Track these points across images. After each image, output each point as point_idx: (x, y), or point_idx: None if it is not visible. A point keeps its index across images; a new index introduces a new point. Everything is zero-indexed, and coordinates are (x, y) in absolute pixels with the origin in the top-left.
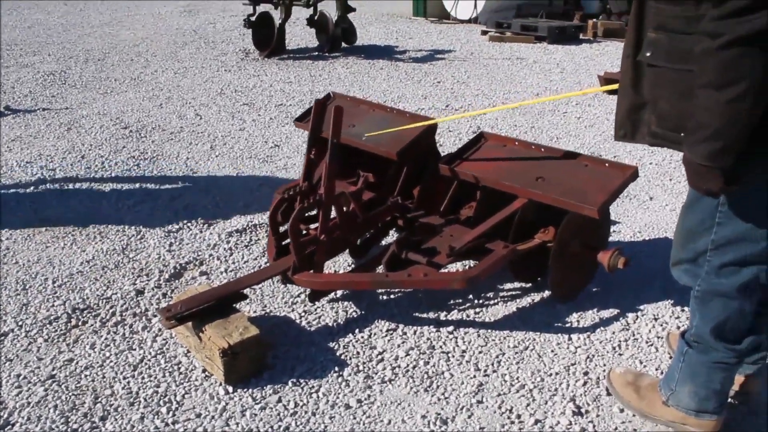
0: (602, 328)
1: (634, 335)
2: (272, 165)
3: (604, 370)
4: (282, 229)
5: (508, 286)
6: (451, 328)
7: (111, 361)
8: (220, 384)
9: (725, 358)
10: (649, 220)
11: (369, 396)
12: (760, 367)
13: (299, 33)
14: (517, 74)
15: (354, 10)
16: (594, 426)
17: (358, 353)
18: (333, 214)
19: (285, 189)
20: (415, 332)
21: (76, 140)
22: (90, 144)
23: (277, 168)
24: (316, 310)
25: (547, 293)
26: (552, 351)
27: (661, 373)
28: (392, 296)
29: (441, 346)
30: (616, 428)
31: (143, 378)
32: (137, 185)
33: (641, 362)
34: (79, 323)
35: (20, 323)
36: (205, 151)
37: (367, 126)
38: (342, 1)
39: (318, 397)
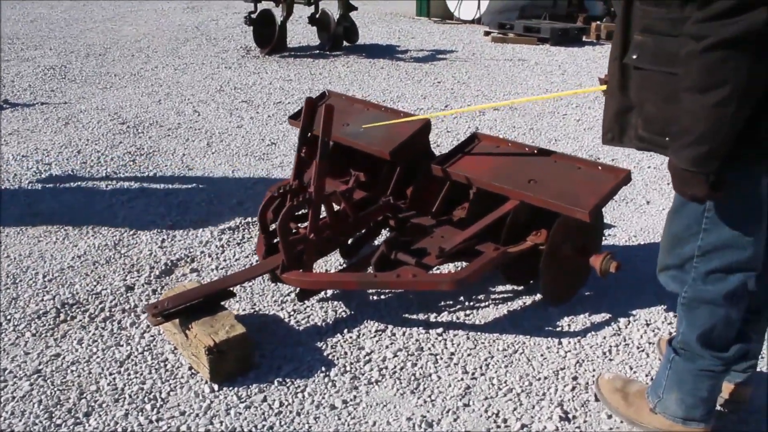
0: (593, 333)
1: (625, 340)
2: (268, 163)
3: (593, 376)
4: (272, 227)
5: (500, 288)
6: (440, 330)
7: (98, 357)
8: (206, 382)
9: (712, 366)
10: (645, 225)
11: (355, 397)
12: (749, 375)
13: (301, 31)
14: (518, 75)
15: (356, 8)
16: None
17: (345, 353)
18: (323, 213)
19: (277, 187)
20: (404, 333)
21: (73, 135)
22: (87, 139)
23: (273, 166)
24: (305, 309)
25: (538, 296)
26: (541, 355)
27: (651, 379)
28: (382, 297)
29: (429, 348)
30: None
31: (129, 374)
32: (132, 181)
33: (631, 368)
34: (68, 318)
35: (9, 317)
36: (201, 148)
37: (360, 125)
38: None
39: (303, 397)
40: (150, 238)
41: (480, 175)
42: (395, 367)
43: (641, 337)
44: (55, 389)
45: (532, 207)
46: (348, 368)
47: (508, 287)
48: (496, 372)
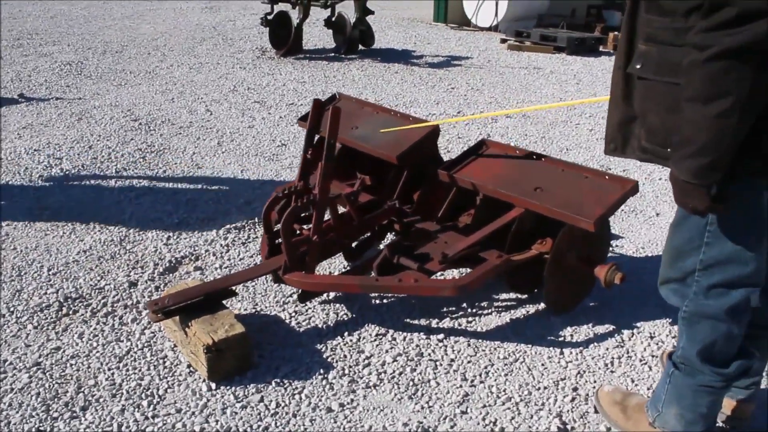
0: (596, 344)
1: (628, 352)
2: (278, 163)
3: (594, 387)
4: (276, 228)
5: (503, 296)
6: (441, 336)
7: (97, 352)
8: (204, 380)
9: (712, 382)
10: (654, 237)
11: (352, 400)
12: (752, 392)
13: (317, 34)
14: (533, 84)
15: (372, 12)
16: None
17: (345, 356)
18: (328, 215)
19: (283, 188)
20: (404, 338)
21: (85, 130)
22: (99, 135)
23: (283, 167)
24: (306, 311)
25: (541, 305)
26: (542, 364)
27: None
28: (384, 301)
29: (429, 354)
30: None
31: (128, 370)
32: (141, 178)
33: (633, 381)
34: (70, 312)
35: (12, 309)
36: (212, 147)
37: (369, 128)
38: (360, 3)
39: (300, 398)
40: (156, 234)
41: (486, 181)
42: (394, 371)
43: (644, 349)
44: (54, 382)
45: (538, 215)
46: (347, 371)
47: (512, 295)
48: (495, 380)
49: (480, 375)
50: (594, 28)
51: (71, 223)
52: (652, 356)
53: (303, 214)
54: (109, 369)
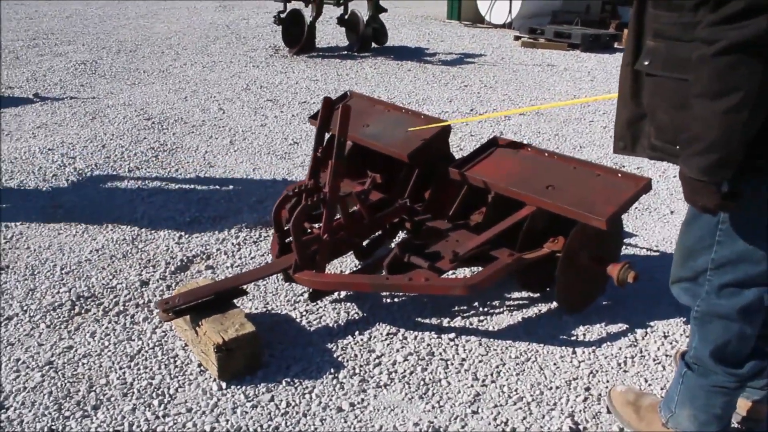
0: (609, 343)
1: (641, 352)
2: (290, 162)
3: (606, 387)
4: (287, 226)
5: (515, 294)
6: (452, 335)
7: (109, 351)
8: (214, 379)
9: (725, 383)
10: (668, 235)
11: (363, 400)
12: (767, 393)
13: (330, 32)
14: (547, 81)
15: (385, 10)
16: None
17: (355, 356)
18: (339, 213)
19: (293, 187)
20: (415, 337)
21: (99, 129)
22: (112, 134)
23: (295, 165)
24: (317, 309)
25: (554, 304)
26: (554, 364)
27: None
28: (395, 300)
29: (441, 353)
30: None
31: (139, 369)
32: (154, 176)
33: (646, 380)
34: (82, 311)
35: (25, 308)
36: (224, 146)
37: (381, 126)
38: (374, 1)
39: (311, 398)
40: (168, 233)
41: (498, 179)
42: (405, 371)
43: (658, 349)
44: (66, 381)
45: (550, 213)
46: (357, 371)
47: (524, 294)
48: (507, 380)
49: (491, 374)
50: (609, 25)
51: (84, 222)
52: (666, 356)
53: (313, 213)
54: (120, 368)
